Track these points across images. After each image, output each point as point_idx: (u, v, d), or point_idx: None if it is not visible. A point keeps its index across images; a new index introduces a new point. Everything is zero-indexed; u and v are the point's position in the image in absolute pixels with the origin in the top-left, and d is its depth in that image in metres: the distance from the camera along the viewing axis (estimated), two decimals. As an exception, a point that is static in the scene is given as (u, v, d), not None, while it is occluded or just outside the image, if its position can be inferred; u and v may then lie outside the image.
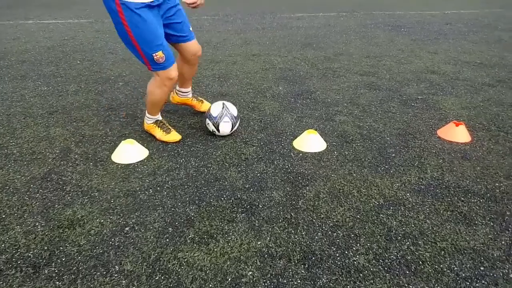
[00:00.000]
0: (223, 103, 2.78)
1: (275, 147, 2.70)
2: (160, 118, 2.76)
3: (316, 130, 2.96)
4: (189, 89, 3.06)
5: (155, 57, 2.33)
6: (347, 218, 1.99)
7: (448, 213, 2.05)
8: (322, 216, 2.00)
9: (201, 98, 3.19)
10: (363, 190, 2.22)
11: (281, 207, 2.06)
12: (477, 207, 2.09)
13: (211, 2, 9.74)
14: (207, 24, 6.96)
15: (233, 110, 2.78)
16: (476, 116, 3.27)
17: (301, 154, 2.61)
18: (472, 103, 3.56)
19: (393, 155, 2.62)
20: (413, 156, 2.61)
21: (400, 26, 7.21)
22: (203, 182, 2.27)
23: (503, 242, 1.84)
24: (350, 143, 2.78)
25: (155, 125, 2.74)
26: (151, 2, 2.27)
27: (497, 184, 2.31)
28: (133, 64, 4.50)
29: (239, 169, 2.41)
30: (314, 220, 1.97)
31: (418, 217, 2.01)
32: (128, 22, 2.22)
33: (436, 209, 2.08)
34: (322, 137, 2.81)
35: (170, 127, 2.75)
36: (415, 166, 2.49)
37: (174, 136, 2.72)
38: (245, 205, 2.07)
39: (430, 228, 1.93)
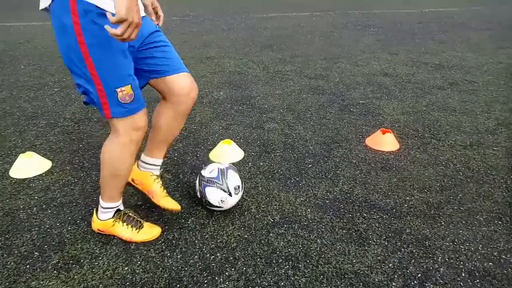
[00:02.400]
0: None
1: (189, 158, 2.58)
2: (122, 206, 1.87)
3: (240, 139, 2.84)
4: (161, 159, 2.00)
5: (119, 93, 1.51)
6: (232, 239, 1.86)
7: (344, 231, 1.92)
8: (206, 236, 1.88)
9: (165, 192, 2.01)
10: (262, 206, 2.10)
11: (167, 227, 1.94)
12: (377, 225, 1.97)
13: (185, 2, 9.62)
14: (174, 26, 6.83)
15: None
16: (414, 121, 3.14)
17: (212, 166, 2.48)
18: (415, 107, 3.43)
19: (310, 166, 2.50)
20: (330, 167, 2.48)
21: (371, 25, 7.08)
22: (95, 199, 2.14)
23: (390, 265, 1.71)
24: (269, 153, 2.65)
25: (115, 221, 1.82)
26: None
27: (407, 198, 2.18)
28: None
29: (140, 183, 2.29)
30: (196, 241, 1.84)
31: (310, 236, 1.89)
32: (85, 36, 1.40)
33: (333, 226, 1.95)
34: (241, 147, 2.68)
35: (139, 218, 1.88)
36: (328, 178, 2.36)
37: (150, 231, 1.87)
38: (128, 225, 1.94)
39: (318, 249, 1.81)
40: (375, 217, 2.02)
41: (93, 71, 1.46)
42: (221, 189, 1.95)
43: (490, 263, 1.72)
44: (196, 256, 1.76)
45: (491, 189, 2.26)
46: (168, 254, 1.77)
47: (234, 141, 2.74)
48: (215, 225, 1.95)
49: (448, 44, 5.72)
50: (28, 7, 8.42)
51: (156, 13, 1.79)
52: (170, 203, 1.96)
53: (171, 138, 1.95)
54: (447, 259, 1.75)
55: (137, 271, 1.67)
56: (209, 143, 2.77)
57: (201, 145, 2.75)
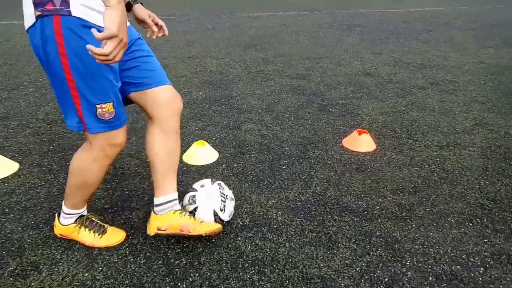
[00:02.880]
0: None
1: (161, 160, 2.52)
2: (86, 211, 1.80)
3: (215, 140, 2.80)
4: (176, 193, 1.78)
5: (99, 109, 1.43)
6: (199, 243, 1.82)
7: (313, 234, 1.89)
8: (172, 240, 1.83)
9: (197, 219, 1.78)
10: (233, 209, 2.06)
11: (133, 231, 1.89)
12: (347, 227, 1.94)
13: (172, 1, 9.54)
14: (158, 24, 6.75)
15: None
16: (392, 122, 3.13)
17: (185, 168, 2.44)
18: (394, 107, 3.41)
19: (284, 167, 2.46)
20: (305, 168, 2.45)
21: (356, 25, 7.07)
22: (60, 202, 2.08)
23: (357, 269, 1.68)
24: (244, 154, 2.61)
25: (77, 226, 1.75)
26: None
27: (380, 199, 2.16)
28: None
29: (108, 186, 2.23)
30: (161, 246, 1.80)
31: (278, 239, 1.85)
32: (67, 49, 1.32)
33: (302, 229, 1.92)
34: (216, 148, 2.64)
35: (103, 223, 1.80)
36: (302, 179, 2.33)
37: (114, 235, 1.79)
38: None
39: (286, 253, 1.77)
40: (346, 219, 2.00)
41: (71, 85, 1.39)
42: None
43: (458, 266, 1.70)
44: (160, 261, 1.71)
45: (464, 190, 2.25)
46: (132, 259, 1.72)
47: (210, 142, 2.70)
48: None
49: (431, 44, 5.73)
50: (9, 6, 8.28)
51: (156, 24, 1.70)
52: (210, 227, 1.73)
53: (175, 164, 1.76)
54: (415, 263, 1.72)
55: (98, 277, 1.62)
56: (183, 144, 2.72)
57: (175, 146, 2.69)
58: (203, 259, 1.73)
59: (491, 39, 6.08)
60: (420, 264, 1.72)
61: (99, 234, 1.77)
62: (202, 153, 2.52)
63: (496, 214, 2.05)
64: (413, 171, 2.43)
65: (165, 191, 1.74)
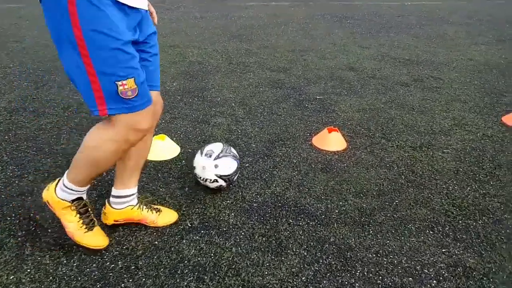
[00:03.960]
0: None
1: (119, 154, 2.41)
2: (85, 195, 1.62)
3: (180, 134, 2.69)
4: (134, 189, 1.77)
5: (120, 87, 1.31)
6: (140, 245, 1.72)
7: (263, 239, 1.79)
8: (112, 242, 1.73)
9: (156, 206, 1.87)
10: (183, 209, 1.96)
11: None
12: (301, 232, 1.84)
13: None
14: (145, 11, 6.59)
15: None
16: (368, 119, 3.01)
17: (142, 163, 2.32)
18: (373, 104, 3.30)
19: (247, 165, 2.36)
20: (268, 167, 2.35)
21: (348, 17, 6.91)
22: (2, 197, 1.98)
23: (303, 278, 1.59)
24: (207, 150, 2.50)
25: (70, 207, 1.58)
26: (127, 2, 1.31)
27: (341, 203, 2.05)
28: (35, 53, 4.16)
29: (57, 181, 2.12)
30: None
31: (225, 243, 1.75)
32: (80, 18, 1.21)
33: (253, 233, 1.82)
34: (179, 143, 2.53)
35: (94, 218, 1.67)
36: (262, 179, 2.22)
37: (98, 237, 1.66)
38: (30, 228, 1.79)
39: (231, 258, 1.67)
40: (301, 223, 1.89)
41: (87, 60, 1.27)
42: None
43: (410, 278, 1.61)
44: (94, 265, 1.61)
45: (431, 195, 2.14)
46: (64, 261, 1.62)
47: (174, 137, 2.60)
48: (126, 229, 1.80)
49: (422, 39, 5.58)
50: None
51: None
52: (168, 217, 1.85)
53: (141, 163, 1.74)
54: (365, 273, 1.62)
55: (23, 280, 1.52)
56: (145, 138, 2.61)
57: (136, 140, 2.58)
58: (141, 263, 1.63)
59: (484, 35, 5.93)
60: (370, 275, 1.62)
61: (85, 228, 1.61)
62: (161, 148, 2.41)
63: (460, 221, 1.95)
64: (381, 173, 2.32)
65: (126, 186, 1.72)
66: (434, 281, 1.59)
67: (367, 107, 3.24)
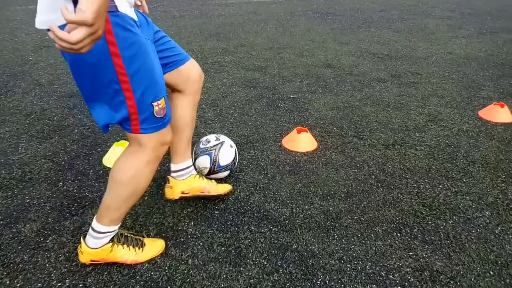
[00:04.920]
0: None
1: (78, 162, 2.32)
2: (117, 229, 1.58)
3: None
4: (191, 160, 1.90)
5: (156, 107, 1.33)
6: (90, 266, 1.62)
7: (222, 248, 1.70)
8: (62, 258, 1.63)
9: (213, 181, 1.98)
10: (140, 220, 1.86)
11: (20, 247, 1.69)
12: (262, 240, 1.75)
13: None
14: (123, 13, 6.46)
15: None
16: (341, 118, 2.94)
17: (102, 171, 2.23)
18: (347, 102, 3.22)
19: (212, 170, 2.26)
20: (234, 171, 2.26)
21: (330, 13, 6.83)
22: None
23: (260, 290, 1.51)
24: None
25: (113, 245, 1.55)
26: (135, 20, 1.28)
27: (306, 206, 1.97)
28: (2, 57, 4.03)
29: (9, 193, 2.02)
30: (47, 265, 1.60)
31: (182, 255, 1.67)
32: (120, 47, 1.19)
33: (212, 243, 1.73)
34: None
35: (139, 236, 1.66)
36: (227, 184, 2.13)
37: (154, 245, 1.67)
38: (-26, 245, 1.69)
39: (186, 271, 1.59)
40: (263, 230, 1.81)
41: (126, 86, 1.25)
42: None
43: (374, 285, 1.53)
44: (39, 284, 1.52)
45: (401, 195, 2.07)
46: (7, 282, 1.52)
47: (137, 142, 2.49)
48: (78, 244, 1.70)
49: (403, 33, 5.52)
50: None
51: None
52: (226, 188, 1.99)
53: (191, 133, 1.84)
54: (327, 281, 1.55)
55: (-40, 304, 1.42)
56: (108, 144, 2.51)
57: (98, 147, 2.49)
58: (89, 280, 1.54)
59: (465, 28, 5.89)
60: (332, 283, 1.54)
61: (139, 248, 1.60)
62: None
63: (429, 222, 1.88)
64: (350, 173, 2.25)
65: (185, 158, 1.85)
66: (399, 287, 1.52)
67: (342, 105, 3.17)
